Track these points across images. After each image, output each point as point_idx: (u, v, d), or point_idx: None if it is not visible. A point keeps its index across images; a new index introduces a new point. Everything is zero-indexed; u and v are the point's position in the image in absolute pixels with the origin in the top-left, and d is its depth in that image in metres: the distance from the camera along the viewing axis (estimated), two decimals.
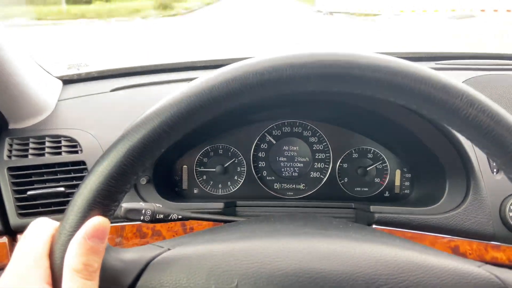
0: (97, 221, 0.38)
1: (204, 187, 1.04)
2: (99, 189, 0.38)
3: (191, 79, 0.52)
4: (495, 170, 0.85)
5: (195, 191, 1.04)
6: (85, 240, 0.37)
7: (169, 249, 0.46)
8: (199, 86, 0.39)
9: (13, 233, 0.84)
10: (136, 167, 0.39)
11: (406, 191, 1.02)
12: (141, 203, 0.66)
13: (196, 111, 0.39)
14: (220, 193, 1.04)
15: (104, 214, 0.39)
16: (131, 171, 0.39)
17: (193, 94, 0.39)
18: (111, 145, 0.39)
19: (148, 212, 0.65)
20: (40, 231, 0.40)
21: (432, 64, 1.10)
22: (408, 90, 0.38)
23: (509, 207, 0.81)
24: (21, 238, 0.40)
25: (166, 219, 0.67)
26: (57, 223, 0.41)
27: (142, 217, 0.65)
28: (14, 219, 0.83)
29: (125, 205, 0.64)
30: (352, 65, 0.38)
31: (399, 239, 0.54)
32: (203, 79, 0.40)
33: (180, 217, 0.69)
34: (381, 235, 0.55)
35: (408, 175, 1.02)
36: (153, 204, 0.66)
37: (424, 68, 0.39)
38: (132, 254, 0.44)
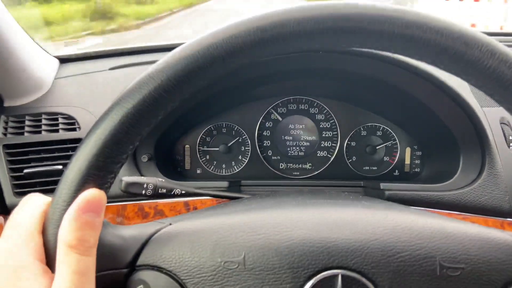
0: (92, 194, 0.35)
1: (207, 167, 1.01)
2: (93, 160, 0.35)
3: None
4: (511, 144, 0.81)
5: (198, 171, 1.01)
6: (79, 214, 0.34)
7: (170, 224, 0.44)
8: (196, 45, 0.35)
9: (9, 212, 0.81)
10: (132, 135, 0.36)
11: (416, 170, 0.99)
12: (142, 177, 0.63)
13: (194, 72, 0.35)
14: (224, 173, 1.01)
15: (100, 186, 0.36)
16: (127, 140, 0.35)
17: (190, 54, 0.35)
18: (104, 113, 0.36)
19: (150, 186, 0.62)
20: (31, 206, 0.38)
21: None
22: (422, 42, 0.34)
23: None
24: (11, 214, 0.38)
25: (169, 194, 0.64)
26: (49, 198, 0.38)
27: (143, 191, 0.61)
28: (10, 198, 0.80)
29: (126, 178, 0.61)
30: (363, 17, 0.34)
31: (414, 208, 0.52)
32: (200, 37, 0.36)
33: (183, 192, 0.66)
34: (394, 204, 0.52)
35: (419, 153, 0.98)
36: (155, 178, 0.63)
37: (439, 17, 0.35)
38: (132, 230, 0.42)
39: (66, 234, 0.34)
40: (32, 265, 0.34)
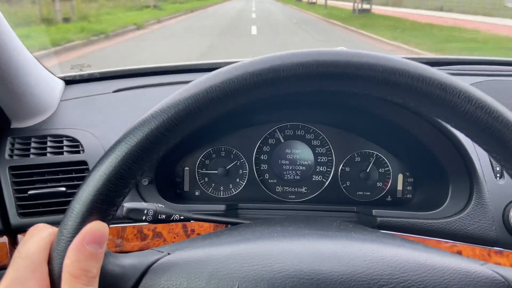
0: (96, 226, 0.38)
1: (205, 189, 1.03)
2: (97, 194, 0.38)
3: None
4: (498, 175, 0.84)
5: (197, 193, 1.03)
6: (83, 246, 0.37)
7: (168, 254, 0.46)
8: (196, 88, 0.39)
9: (13, 233, 0.84)
10: (134, 171, 0.39)
11: (408, 196, 1.02)
12: (143, 203, 0.65)
13: (194, 113, 0.38)
14: (221, 196, 1.03)
15: (103, 219, 0.39)
16: (129, 175, 0.38)
17: (190, 96, 0.38)
18: (109, 149, 0.39)
19: (150, 212, 0.64)
20: (38, 237, 0.40)
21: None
22: (405, 88, 0.38)
23: None
24: (19, 244, 0.40)
25: (168, 220, 0.66)
26: (55, 229, 0.41)
27: (144, 217, 0.64)
28: (14, 218, 0.82)
29: (127, 204, 0.63)
30: (349, 64, 0.38)
31: (400, 239, 0.54)
32: (200, 80, 0.39)
33: (182, 217, 0.68)
34: (382, 236, 0.55)
35: (411, 180, 1.01)
36: (155, 204, 0.66)
37: (422, 66, 0.39)
38: (132, 259, 0.44)
39: (70, 264, 0.37)
40: None
